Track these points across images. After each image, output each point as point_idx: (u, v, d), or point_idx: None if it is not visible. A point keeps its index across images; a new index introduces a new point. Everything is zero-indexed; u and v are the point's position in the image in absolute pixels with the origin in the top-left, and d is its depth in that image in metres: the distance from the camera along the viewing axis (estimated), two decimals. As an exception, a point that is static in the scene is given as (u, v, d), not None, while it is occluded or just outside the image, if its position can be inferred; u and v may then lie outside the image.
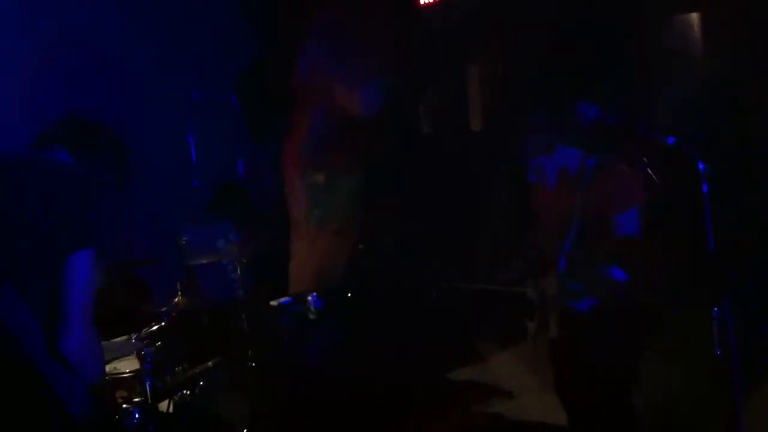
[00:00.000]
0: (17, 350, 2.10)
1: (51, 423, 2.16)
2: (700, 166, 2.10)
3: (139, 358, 3.86)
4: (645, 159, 2.25)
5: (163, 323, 4.25)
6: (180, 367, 4.18)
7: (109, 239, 2.34)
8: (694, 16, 4.92)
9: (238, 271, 4.54)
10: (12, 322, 2.10)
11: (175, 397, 4.12)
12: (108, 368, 3.84)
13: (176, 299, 4.38)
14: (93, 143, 2.42)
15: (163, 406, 4.05)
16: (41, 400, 2.14)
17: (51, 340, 2.18)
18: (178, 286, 4.45)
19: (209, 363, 4.29)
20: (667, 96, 4.36)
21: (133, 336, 4.24)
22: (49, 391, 2.13)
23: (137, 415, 3.62)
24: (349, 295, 5.58)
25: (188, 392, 4.14)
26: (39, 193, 2.23)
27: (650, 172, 2.25)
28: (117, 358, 3.97)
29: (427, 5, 6.33)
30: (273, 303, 5.28)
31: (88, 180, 2.32)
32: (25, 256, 2.17)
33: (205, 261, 4.94)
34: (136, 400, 3.78)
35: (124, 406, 3.74)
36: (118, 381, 3.77)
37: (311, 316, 5.21)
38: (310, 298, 5.27)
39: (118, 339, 4.28)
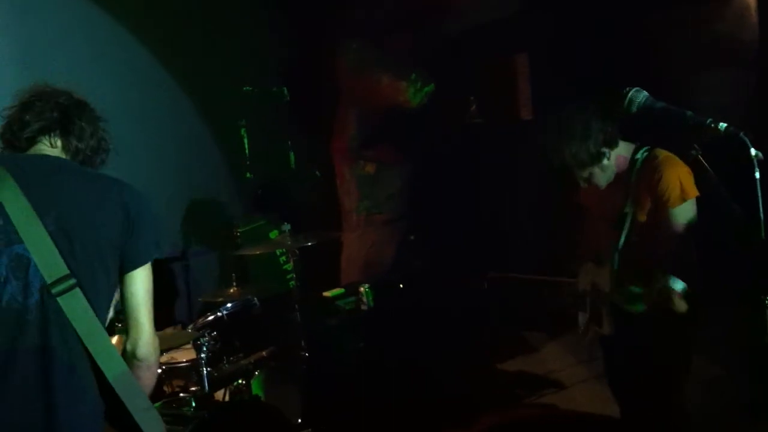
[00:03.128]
0: (81, 351, 2.19)
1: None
2: (752, 151, 2.07)
3: (196, 347, 3.93)
4: (696, 146, 2.20)
5: (218, 314, 4.31)
6: (235, 357, 4.25)
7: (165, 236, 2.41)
8: (750, 1, 4.82)
9: (291, 262, 4.59)
10: (79, 325, 2.19)
11: (231, 386, 4.19)
12: (165, 358, 3.93)
13: (231, 290, 4.45)
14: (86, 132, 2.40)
15: (219, 394, 4.13)
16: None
17: (129, 347, 2.32)
18: (233, 277, 4.52)
19: (263, 352, 4.35)
20: (718, 82, 4.29)
21: (190, 326, 4.32)
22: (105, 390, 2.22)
23: (193, 404, 3.71)
24: (401, 285, 5.61)
25: (243, 381, 4.21)
26: (110, 209, 2.29)
27: (701, 159, 2.21)
28: (174, 348, 4.04)
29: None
30: (325, 294, 5.33)
31: (140, 197, 2.37)
32: (96, 267, 2.25)
33: (258, 252, 5.00)
34: (193, 389, 3.86)
35: (181, 395, 3.83)
36: (175, 370, 3.85)
37: (363, 307, 5.26)
38: (361, 288, 5.31)
39: (175, 329, 4.37)
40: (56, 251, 2.18)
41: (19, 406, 2.15)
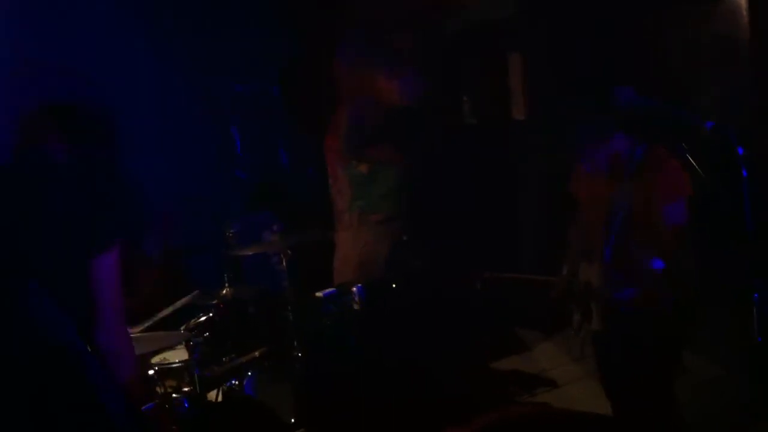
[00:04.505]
0: (43, 343, 2.14)
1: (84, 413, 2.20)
2: (739, 150, 2.08)
3: (188, 348, 3.93)
4: (684, 144, 2.21)
5: (210, 314, 4.31)
6: (227, 357, 4.25)
7: (141, 232, 2.38)
8: (741, 1, 4.83)
9: (283, 262, 4.59)
10: (37, 316, 2.14)
11: (224, 387, 4.19)
12: (157, 358, 3.92)
13: (223, 290, 4.45)
14: (87, 130, 2.37)
15: (212, 395, 4.13)
16: (72, 392, 2.19)
17: (88, 334, 2.26)
18: (225, 278, 4.51)
19: (256, 353, 4.36)
20: (707, 81, 4.30)
21: (182, 327, 4.32)
22: (79, 381, 2.16)
23: (186, 405, 3.70)
24: (393, 285, 5.60)
25: (236, 382, 4.21)
26: (59, 196, 2.24)
27: (689, 157, 2.22)
28: (166, 348, 4.03)
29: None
30: (318, 294, 5.33)
31: (105, 181, 2.31)
32: (49, 258, 2.21)
33: (250, 252, 5.00)
34: (186, 389, 3.85)
35: (174, 395, 3.83)
36: (167, 371, 3.84)
37: (355, 307, 5.25)
38: (354, 289, 5.30)
39: (167, 330, 4.36)
40: None
41: None
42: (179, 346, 4.06)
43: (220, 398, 4.17)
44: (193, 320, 4.31)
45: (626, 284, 3.21)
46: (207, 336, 4.16)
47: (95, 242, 2.26)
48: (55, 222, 2.24)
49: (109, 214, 2.30)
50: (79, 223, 2.25)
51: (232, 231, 5.28)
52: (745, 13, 4.65)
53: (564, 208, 3.82)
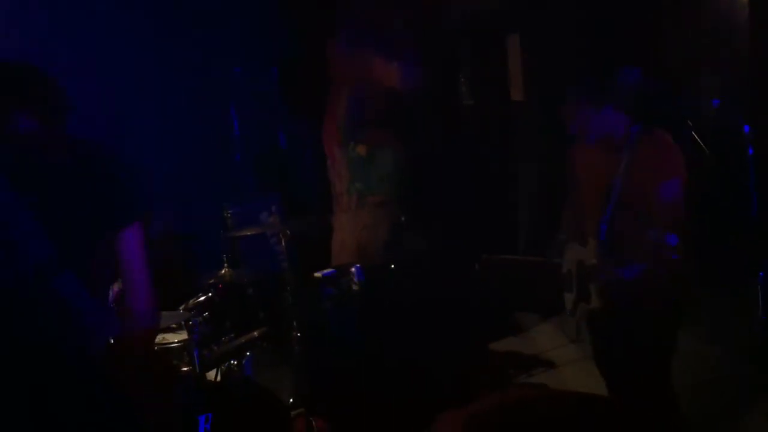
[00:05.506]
0: (83, 337, 2.21)
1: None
2: (745, 129, 2.08)
3: (187, 328, 3.93)
4: (689, 123, 2.21)
5: (209, 295, 4.31)
6: (226, 338, 4.25)
7: (151, 209, 2.41)
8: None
9: (282, 244, 4.59)
10: (77, 308, 2.20)
11: (223, 367, 4.20)
12: (157, 339, 3.92)
13: (222, 271, 4.44)
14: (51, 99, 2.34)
15: (211, 375, 4.13)
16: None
17: (126, 308, 2.35)
18: (224, 259, 4.51)
19: (255, 333, 4.36)
20: (710, 58, 4.29)
21: (181, 307, 4.32)
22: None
23: (186, 384, 3.71)
24: (392, 267, 5.61)
25: (235, 362, 4.22)
26: (78, 176, 2.27)
27: (695, 135, 2.22)
28: (165, 329, 4.04)
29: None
30: (316, 275, 5.33)
31: (116, 155, 2.34)
32: (77, 242, 2.24)
33: (249, 233, 4.99)
34: (185, 369, 3.86)
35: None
36: (166, 351, 3.84)
37: (354, 288, 5.26)
38: (352, 270, 5.31)
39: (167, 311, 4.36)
40: None
41: None
42: (178, 327, 4.06)
43: (219, 378, 4.18)
44: (192, 300, 4.31)
45: (624, 261, 3.23)
46: (206, 316, 4.15)
47: (120, 216, 2.32)
48: (76, 201, 2.27)
49: (129, 188, 2.36)
50: (101, 200, 2.29)
51: (230, 212, 5.28)
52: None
53: (561, 189, 3.83)
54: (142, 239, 2.36)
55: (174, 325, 4.04)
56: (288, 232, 4.48)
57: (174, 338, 3.96)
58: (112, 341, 2.29)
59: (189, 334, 3.89)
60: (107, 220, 2.30)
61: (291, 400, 4.27)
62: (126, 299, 2.35)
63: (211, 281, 4.39)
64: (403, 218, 6.18)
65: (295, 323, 4.36)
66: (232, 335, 4.28)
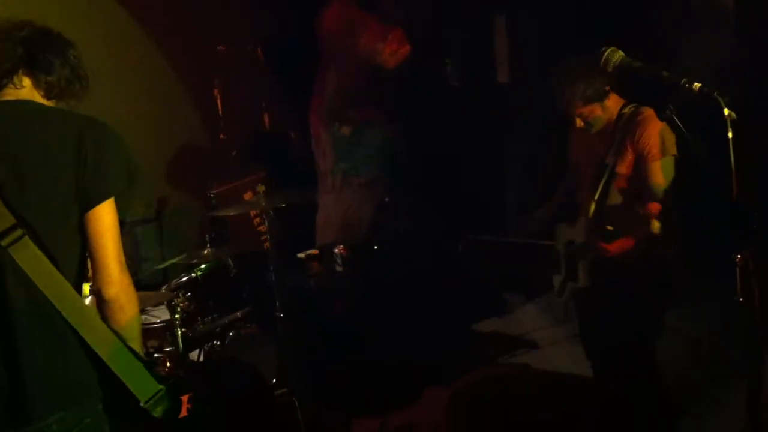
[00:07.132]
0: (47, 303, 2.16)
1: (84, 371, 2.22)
2: (725, 111, 2.08)
3: (170, 308, 3.93)
4: (671, 105, 2.22)
5: (192, 274, 4.30)
6: (209, 317, 4.25)
7: (129, 186, 2.33)
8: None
9: (266, 223, 4.57)
10: (36, 275, 2.15)
11: (206, 347, 4.19)
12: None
13: (205, 251, 4.42)
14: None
15: (194, 355, 4.13)
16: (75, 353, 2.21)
17: (96, 288, 2.25)
18: (207, 238, 4.49)
19: (238, 313, 4.36)
20: (694, 41, 4.30)
21: (164, 287, 4.31)
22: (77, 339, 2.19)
23: (168, 364, 3.71)
24: (375, 247, 5.61)
25: (218, 342, 4.21)
26: (66, 145, 2.20)
27: (675, 119, 2.22)
28: (148, 308, 4.03)
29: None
30: (300, 255, 5.33)
31: (101, 129, 2.29)
32: (50, 212, 2.20)
33: (232, 213, 4.98)
34: (168, 349, 3.86)
35: (156, 355, 3.83)
36: (149, 331, 3.84)
37: (337, 268, 5.26)
38: (336, 250, 5.31)
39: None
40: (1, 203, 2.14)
41: None
42: (161, 306, 4.06)
43: (201, 358, 4.18)
44: (174, 280, 4.29)
45: (612, 236, 3.27)
46: (189, 296, 4.14)
47: (94, 192, 2.23)
48: (53, 172, 2.21)
49: (109, 164, 2.26)
50: (78, 173, 2.22)
51: (214, 192, 5.26)
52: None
53: (549, 170, 3.84)
54: (115, 217, 2.26)
55: (156, 305, 4.04)
56: (271, 212, 4.46)
57: (157, 318, 3.96)
58: None
59: (171, 314, 3.89)
60: (81, 196, 2.23)
61: (274, 380, 4.26)
62: (100, 286, 2.24)
63: (194, 261, 4.37)
64: (387, 198, 6.17)
65: (278, 303, 4.35)
66: (215, 315, 4.27)
